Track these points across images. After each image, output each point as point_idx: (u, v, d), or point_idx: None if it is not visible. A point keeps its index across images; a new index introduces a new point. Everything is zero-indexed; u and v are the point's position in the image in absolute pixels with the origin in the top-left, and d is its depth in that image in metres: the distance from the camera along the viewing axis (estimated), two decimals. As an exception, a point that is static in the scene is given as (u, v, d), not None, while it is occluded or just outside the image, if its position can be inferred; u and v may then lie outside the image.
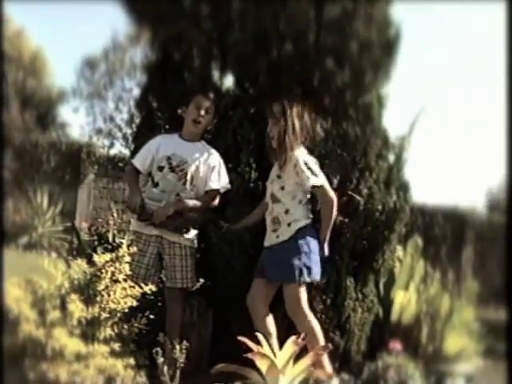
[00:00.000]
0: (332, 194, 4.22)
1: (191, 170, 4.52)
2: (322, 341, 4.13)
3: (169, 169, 4.51)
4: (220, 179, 4.57)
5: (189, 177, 4.51)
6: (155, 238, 4.49)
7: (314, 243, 4.20)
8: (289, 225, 4.23)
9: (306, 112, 4.32)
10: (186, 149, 4.56)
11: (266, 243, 4.36)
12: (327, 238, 4.22)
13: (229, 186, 4.59)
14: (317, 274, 4.21)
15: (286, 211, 4.25)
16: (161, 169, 4.52)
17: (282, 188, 4.27)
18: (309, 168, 4.20)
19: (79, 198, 13.33)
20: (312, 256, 4.18)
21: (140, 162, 4.62)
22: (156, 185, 4.53)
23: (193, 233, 4.57)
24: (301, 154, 4.26)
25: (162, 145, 4.59)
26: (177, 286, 4.49)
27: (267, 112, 4.35)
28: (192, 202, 4.49)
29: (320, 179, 4.22)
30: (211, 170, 4.55)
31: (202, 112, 4.56)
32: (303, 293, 4.20)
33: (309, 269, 4.16)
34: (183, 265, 4.49)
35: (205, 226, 4.63)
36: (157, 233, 4.48)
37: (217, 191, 4.57)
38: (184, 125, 4.65)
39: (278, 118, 4.28)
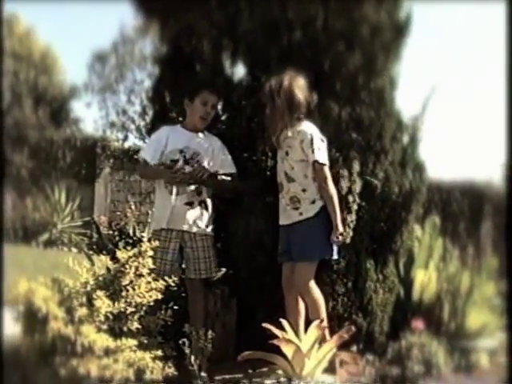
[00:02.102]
0: (327, 174, 4.18)
1: (205, 160, 4.56)
2: (324, 311, 4.17)
3: (183, 161, 4.53)
4: (229, 163, 4.63)
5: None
6: (176, 234, 4.50)
7: (329, 223, 4.19)
8: (313, 202, 4.20)
9: (296, 86, 4.21)
10: (195, 140, 4.59)
11: (286, 221, 4.30)
12: (338, 221, 4.17)
13: (234, 169, 4.64)
14: (334, 252, 4.23)
15: (303, 190, 4.21)
16: (175, 162, 4.55)
17: (292, 168, 4.23)
18: (314, 143, 4.17)
19: (96, 193, 13.42)
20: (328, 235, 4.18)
21: (151, 154, 4.60)
22: None
23: (205, 221, 4.57)
24: (308, 129, 4.22)
25: (170, 138, 4.59)
26: (202, 277, 4.52)
27: (261, 96, 4.31)
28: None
29: (324, 157, 4.20)
30: (221, 156, 4.61)
31: (209, 109, 4.58)
32: (313, 270, 4.20)
33: (331, 246, 4.18)
34: (206, 256, 4.53)
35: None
36: (178, 228, 4.49)
37: (231, 175, 4.63)
38: (188, 117, 4.66)
39: (268, 100, 4.23)
